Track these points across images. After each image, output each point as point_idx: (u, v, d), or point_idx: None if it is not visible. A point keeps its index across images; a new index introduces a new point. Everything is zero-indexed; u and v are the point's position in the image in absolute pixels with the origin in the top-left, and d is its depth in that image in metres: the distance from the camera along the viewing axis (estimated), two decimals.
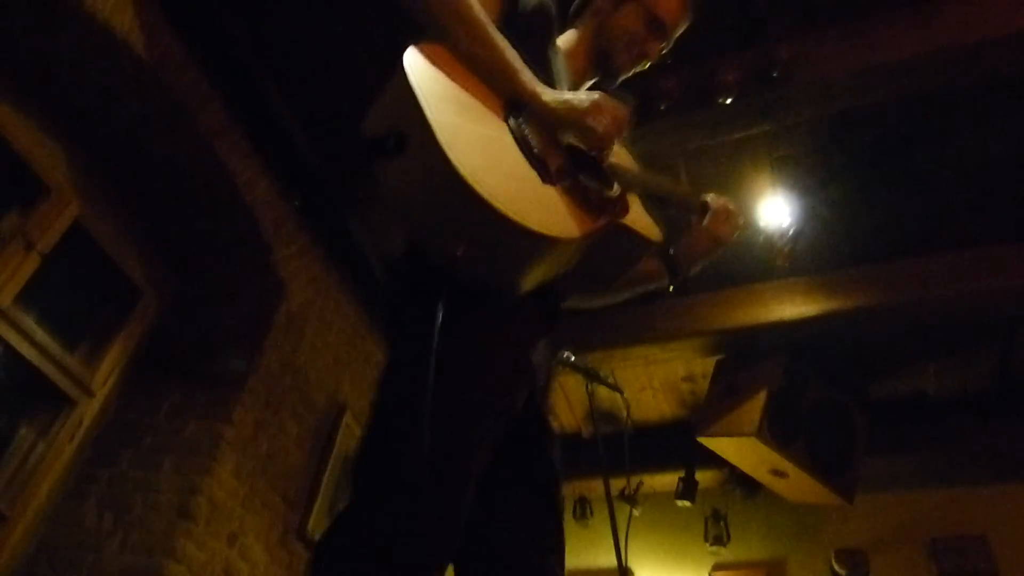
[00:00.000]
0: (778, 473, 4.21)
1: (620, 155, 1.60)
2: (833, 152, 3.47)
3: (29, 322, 2.87)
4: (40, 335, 2.89)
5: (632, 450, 5.13)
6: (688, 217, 1.71)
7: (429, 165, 1.10)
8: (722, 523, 4.77)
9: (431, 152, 1.10)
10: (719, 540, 4.71)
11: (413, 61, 1.21)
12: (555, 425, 1.73)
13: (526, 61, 1.41)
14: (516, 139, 1.28)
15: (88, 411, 3.05)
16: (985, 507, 4.50)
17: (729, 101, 3.06)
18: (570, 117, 1.34)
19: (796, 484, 4.24)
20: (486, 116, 1.27)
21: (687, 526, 4.83)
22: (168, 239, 3.39)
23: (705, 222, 1.66)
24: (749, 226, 1.88)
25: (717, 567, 4.78)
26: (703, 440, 4.30)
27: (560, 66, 1.67)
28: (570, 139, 1.37)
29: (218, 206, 3.34)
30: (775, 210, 3.75)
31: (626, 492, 4.89)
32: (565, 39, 1.80)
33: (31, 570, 2.68)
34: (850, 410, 4.29)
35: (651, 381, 4.70)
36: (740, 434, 4.04)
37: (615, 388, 2.52)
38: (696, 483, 4.70)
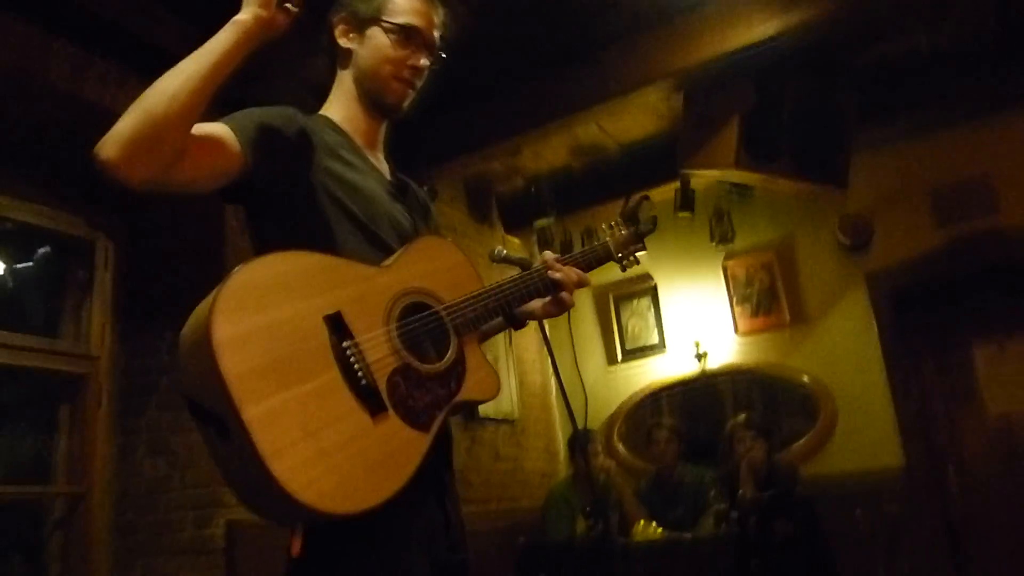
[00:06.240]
0: (768, 182, 4.17)
1: (459, 280, 1.49)
2: None
3: (6, 335, 3.01)
4: (21, 340, 3.05)
5: (625, 169, 5.13)
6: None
7: (247, 461, 1.09)
8: (726, 219, 4.85)
9: (247, 451, 1.08)
10: (725, 238, 4.83)
11: (220, 332, 1.10)
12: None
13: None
14: (344, 376, 1.21)
15: (102, 373, 3.30)
16: (987, 144, 4.37)
17: None
18: None
19: (788, 187, 4.21)
20: (313, 362, 1.19)
21: (693, 230, 4.92)
22: (90, 188, 3.28)
23: (548, 303, 1.63)
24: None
25: (728, 257, 4.99)
26: (686, 172, 4.24)
27: (349, 147, 1.53)
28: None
29: None
30: None
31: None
32: (336, 109, 1.59)
33: (118, 523, 3.18)
34: (834, 94, 4.04)
35: (627, 108, 4.46)
36: (718, 167, 3.96)
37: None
38: (693, 192, 4.69)
